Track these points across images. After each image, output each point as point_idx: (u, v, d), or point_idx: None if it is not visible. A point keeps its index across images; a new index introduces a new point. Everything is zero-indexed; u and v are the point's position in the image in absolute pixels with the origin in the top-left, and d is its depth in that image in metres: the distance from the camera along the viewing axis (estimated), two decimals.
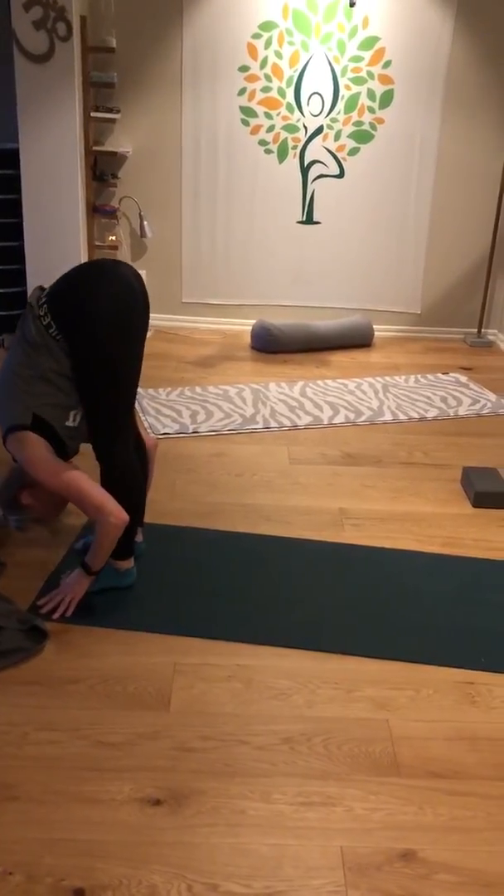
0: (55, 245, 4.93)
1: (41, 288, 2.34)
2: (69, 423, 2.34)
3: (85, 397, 2.32)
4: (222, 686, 2.19)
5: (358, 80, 5.07)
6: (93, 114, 4.93)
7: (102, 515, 2.28)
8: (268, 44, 4.98)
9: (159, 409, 4.07)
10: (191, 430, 3.86)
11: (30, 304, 2.30)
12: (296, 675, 2.24)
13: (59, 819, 1.76)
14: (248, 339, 5.36)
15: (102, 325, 2.21)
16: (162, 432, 3.79)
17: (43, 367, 2.26)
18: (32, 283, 5.00)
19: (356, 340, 5.33)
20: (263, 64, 5.03)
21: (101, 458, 2.39)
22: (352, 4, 4.52)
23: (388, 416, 4.13)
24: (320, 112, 5.14)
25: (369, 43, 4.98)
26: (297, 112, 5.14)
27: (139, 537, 2.68)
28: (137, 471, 2.48)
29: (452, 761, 1.96)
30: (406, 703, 2.15)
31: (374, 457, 3.66)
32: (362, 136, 5.21)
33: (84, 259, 5.03)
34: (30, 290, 5.01)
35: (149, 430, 3.78)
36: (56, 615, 2.41)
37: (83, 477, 2.29)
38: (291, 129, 5.18)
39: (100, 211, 5.23)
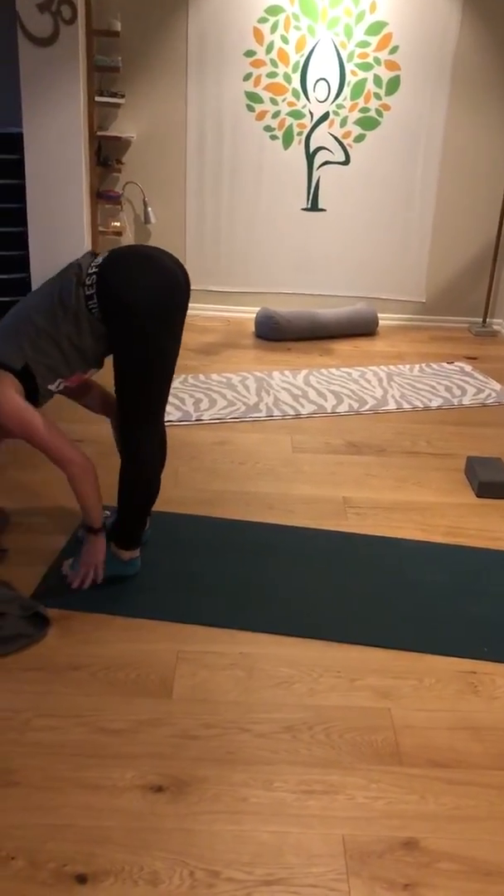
0: (59, 231, 4.90)
1: (93, 254, 2.31)
2: (52, 387, 2.31)
3: (121, 384, 2.30)
4: (225, 674, 2.19)
5: (364, 66, 5.03)
6: (97, 98, 4.90)
7: (65, 464, 2.25)
8: (274, 28, 4.93)
9: None
10: (194, 418, 3.85)
11: (78, 266, 2.26)
12: (298, 664, 2.24)
13: (61, 805, 1.76)
14: (251, 327, 5.34)
15: (147, 317, 2.20)
16: (165, 420, 3.77)
17: (62, 330, 2.24)
18: (36, 268, 4.98)
19: (360, 329, 5.31)
20: (269, 49, 4.98)
21: (125, 448, 2.38)
22: None
23: (392, 405, 4.12)
24: (326, 98, 5.10)
25: (376, 28, 4.93)
26: (302, 98, 5.10)
27: (146, 526, 2.67)
28: (157, 468, 2.47)
29: (454, 750, 1.96)
30: (408, 693, 2.15)
31: (378, 446, 3.65)
32: (368, 123, 5.17)
33: (87, 246, 5.01)
34: (33, 276, 4.99)
35: None
36: (87, 584, 2.46)
37: (47, 423, 2.23)
38: (297, 115, 5.14)
39: (104, 196, 5.20)
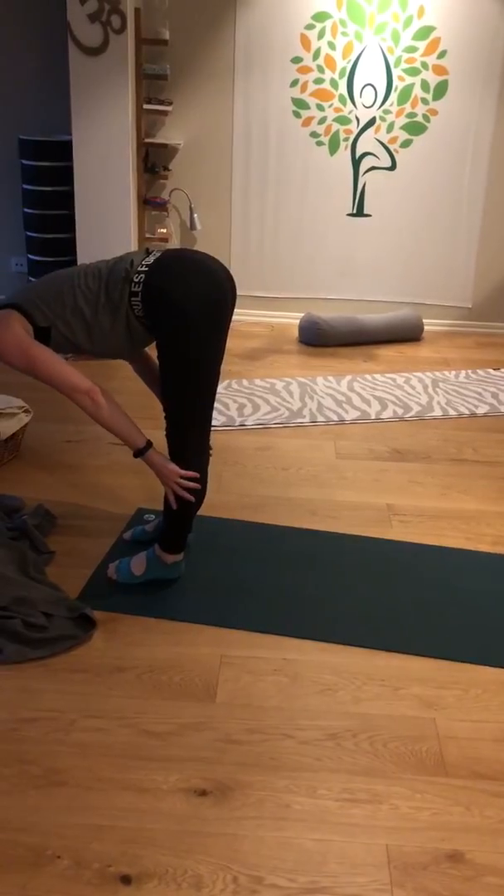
0: (106, 237, 4.96)
1: (147, 252, 2.33)
2: (63, 357, 2.32)
3: (168, 388, 2.31)
4: (268, 679, 2.19)
5: (412, 71, 5.00)
6: (145, 106, 4.95)
7: (72, 394, 2.22)
8: (321, 34, 4.93)
9: None
10: (237, 424, 3.86)
11: (130, 261, 2.29)
12: (342, 671, 2.23)
13: (106, 806, 1.78)
14: (295, 333, 5.34)
15: (192, 319, 2.21)
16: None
17: (98, 317, 2.27)
18: None
19: (405, 334, 5.27)
20: (316, 55, 4.99)
21: (172, 452, 2.38)
22: None
23: (437, 412, 4.08)
24: (373, 103, 5.08)
25: (424, 33, 4.91)
26: (349, 104, 5.09)
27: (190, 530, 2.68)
28: (205, 477, 2.45)
29: (501, 762, 1.94)
30: (453, 703, 2.13)
31: (423, 453, 3.62)
32: (415, 128, 5.14)
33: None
34: None
35: None
36: (186, 496, 2.35)
37: (51, 355, 2.22)
38: (343, 120, 5.13)
39: (150, 203, 5.25)
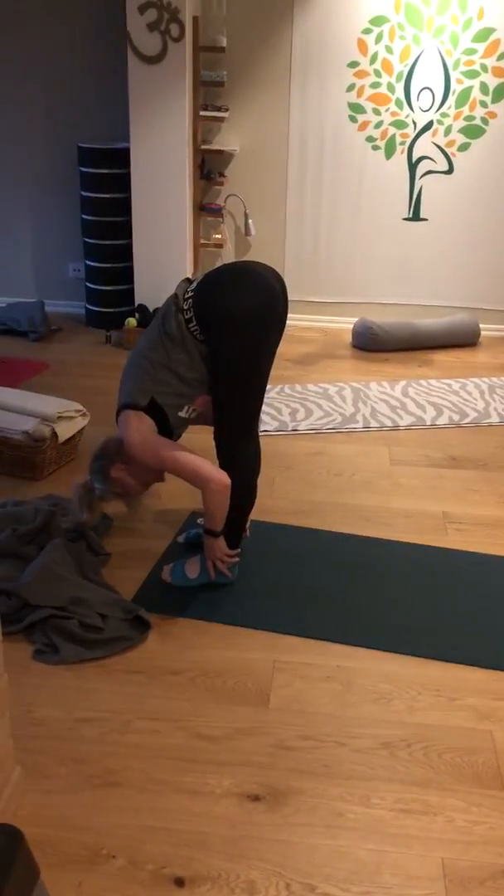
0: (162, 243, 5.01)
1: (188, 280, 2.39)
2: (182, 414, 2.39)
3: (217, 394, 2.35)
4: (321, 686, 2.18)
5: (471, 74, 4.94)
6: (202, 113, 4.99)
7: (203, 483, 2.31)
8: (378, 39, 4.91)
9: None
10: (290, 428, 3.86)
11: (175, 296, 2.35)
12: (396, 680, 2.21)
13: (160, 808, 1.79)
14: (349, 338, 5.31)
15: (242, 327, 2.24)
16: (261, 430, 3.80)
17: (174, 359, 2.32)
18: (140, 281, 5.10)
19: (461, 339, 5.20)
20: (373, 59, 4.96)
21: (222, 455, 2.42)
22: None
23: (494, 418, 4.02)
24: (430, 107, 5.03)
25: (484, 35, 4.85)
26: (406, 108, 5.05)
27: (245, 533, 2.70)
28: (254, 474, 2.50)
29: None
30: None
31: (480, 460, 3.57)
32: (473, 132, 5.07)
33: (189, 257, 5.10)
34: (137, 288, 5.11)
35: None
36: (213, 575, 2.54)
37: (180, 450, 2.32)
38: (400, 124, 5.09)
39: (206, 209, 5.29)
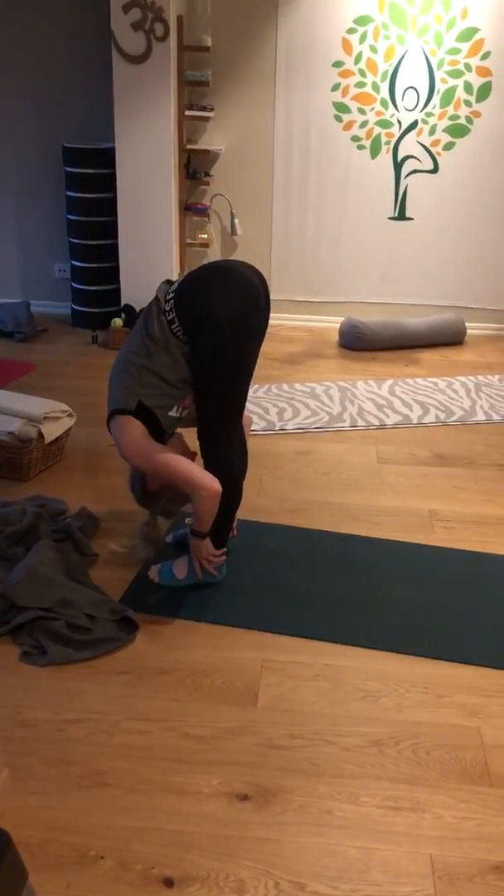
0: (148, 243, 5.00)
1: (168, 282, 2.39)
2: (173, 413, 2.39)
3: (199, 393, 2.35)
4: (310, 685, 2.18)
5: (455, 73, 4.96)
6: (187, 112, 4.98)
7: (194, 489, 2.31)
8: (363, 38, 4.92)
9: (246, 406, 4.08)
10: (277, 428, 3.86)
11: (156, 298, 2.35)
12: (384, 678, 2.22)
13: (149, 808, 1.79)
14: (335, 337, 5.32)
15: (225, 326, 2.24)
16: (249, 430, 3.80)
17: (157, 361, 2.31)
18: (126, 281, 5.09)
19: (447, 338, 5.22)
20: (358, 59, 4.97)
21: (205, 455, 2.42)
22: None
23: (480, 417, 4.04)
24: (415, 106, 5.05)
25: (468, 34, 4.86)
26: (391, 107, 5.06)
27: (233, 532, 2.70)
28: (239, 473, 2.51)
29: None
30: (498, 712, 2.10)
31: (466, 458, 3.58)
32: (458, 131, 5.09)
33: (175, 257, 5.09)
34: (123, 288, 5.10)
35: None
36: (200, 576, 2.52)
37: (172, 456, 2.32)
38: (385, 124, 5.10)
39: (192, 209, 5.28)
